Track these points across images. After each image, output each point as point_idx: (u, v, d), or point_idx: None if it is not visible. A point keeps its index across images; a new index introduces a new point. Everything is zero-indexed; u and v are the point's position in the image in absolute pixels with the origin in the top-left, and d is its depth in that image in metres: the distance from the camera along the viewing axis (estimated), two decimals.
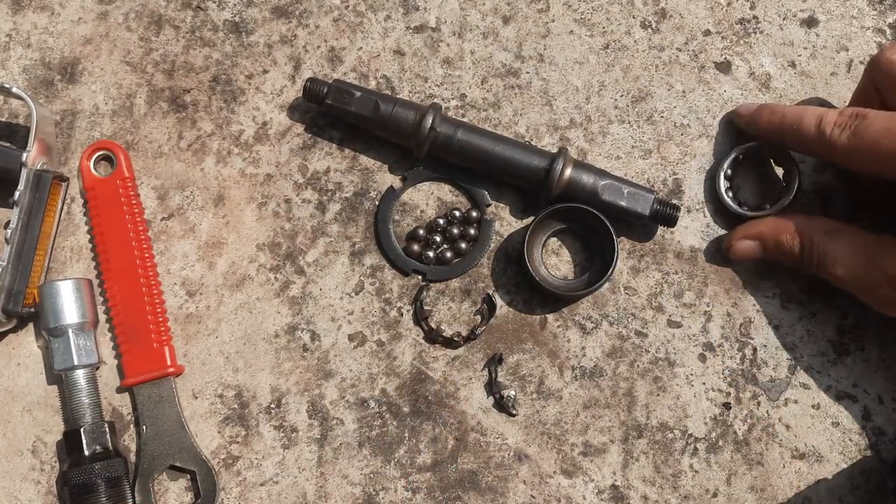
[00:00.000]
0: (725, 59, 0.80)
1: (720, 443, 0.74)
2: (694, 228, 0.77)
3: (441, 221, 0.76)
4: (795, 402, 0.75)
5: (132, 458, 0.73)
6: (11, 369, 0.74)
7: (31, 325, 0.75)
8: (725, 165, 0.77)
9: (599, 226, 0.74)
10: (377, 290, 0.76)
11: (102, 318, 0.75)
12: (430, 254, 0.76)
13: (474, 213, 0.77)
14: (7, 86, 0.72)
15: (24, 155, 0.72)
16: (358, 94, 0.75)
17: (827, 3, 0.81)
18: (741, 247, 0.74)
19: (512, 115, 0.79)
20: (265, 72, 0.80)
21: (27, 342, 0.75)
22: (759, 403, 0.75)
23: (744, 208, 0.76)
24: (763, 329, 0.76)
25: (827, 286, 0.72)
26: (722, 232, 0.77)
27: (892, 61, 0.69)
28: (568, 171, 0.74)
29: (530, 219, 0.77)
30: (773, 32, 0.81)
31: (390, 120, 0.75)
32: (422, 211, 0.78)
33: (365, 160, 0.78)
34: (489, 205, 0.78)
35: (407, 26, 0.81)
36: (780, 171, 0.78)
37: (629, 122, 0.79)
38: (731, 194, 0.77)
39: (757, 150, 0.76)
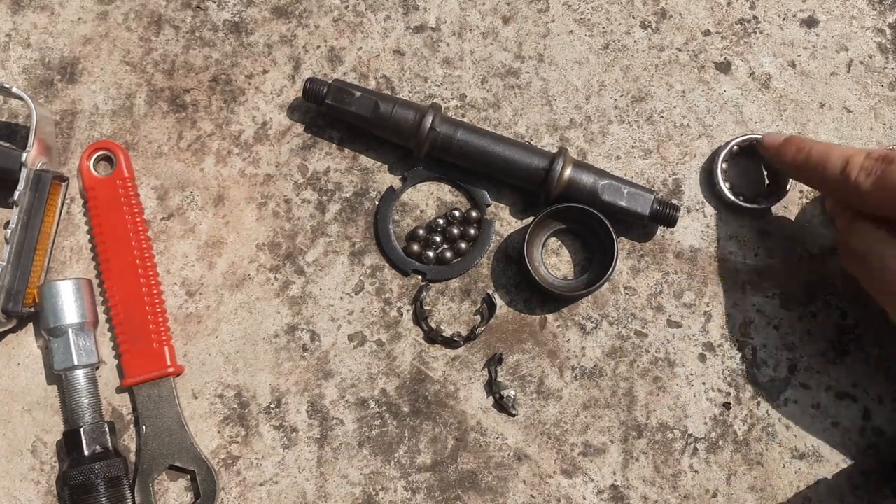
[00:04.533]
0: (725, 59, 0.80)
1: (720, 443, 0.74)
2: (694, 228, 0.77)
3: (441, 221, 0.76)
4: (795, 402, 0.75)
5: (132, 458, 0.73)
6: (11, 369, 0.74)
7: (31, 325, 0.75)
8: (722, 156, 0.77)
9: (599, 226, 0.74)
10: (377, 290, 0.76)
11: (102, 318, 0.75)
12: (430, 254, 0.76)
13: (474, 213, 0.77)
14: (7, 86, 0.72)
15: (24, 155, 0.72)
16: (358, 94, 0.75)
17: (827, 3, 0.81)
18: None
19: (512, 115, 0.79)
20: (265, 72, 0.80)
21: (27, 342, 0.75)
22: (759, 403, 0.75)
23: (740, 199, 0.76)
24: (763, 329, 0.76)
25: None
26: (722, 232, 0.77)
27: None
28: (568, 171, 0.74)
29: (530, 219, 0.77)
30: (773, 32, 0.81)
31: (390, 120, 0.75)
32: (422, 211, 0.78)
33: (365, 160, 0.78)
34: (489, 205, 0.78)
35: (407, 26, 0.81)
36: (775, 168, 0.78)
37: (629, 122, 0.79)
38: (727, 185, 0.77)
39: (751, 142, 0.77)
